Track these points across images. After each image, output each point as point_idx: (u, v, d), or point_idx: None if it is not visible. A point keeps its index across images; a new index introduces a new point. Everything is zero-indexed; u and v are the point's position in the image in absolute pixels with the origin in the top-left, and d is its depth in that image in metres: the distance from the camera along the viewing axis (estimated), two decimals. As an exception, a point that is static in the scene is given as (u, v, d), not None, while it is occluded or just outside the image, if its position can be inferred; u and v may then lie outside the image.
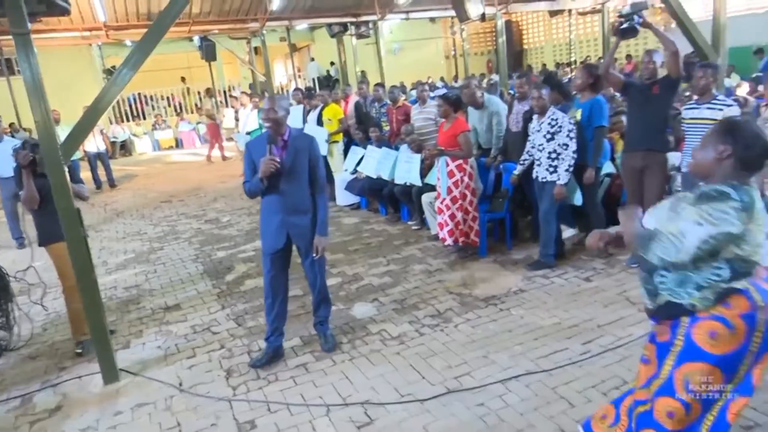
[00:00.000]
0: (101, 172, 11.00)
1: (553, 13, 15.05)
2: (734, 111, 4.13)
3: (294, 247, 3.59)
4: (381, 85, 8.55)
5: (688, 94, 8.26)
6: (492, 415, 2.87)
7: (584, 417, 2.77)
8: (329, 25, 12.70)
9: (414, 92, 9.14)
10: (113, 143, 15.43)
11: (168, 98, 18.70)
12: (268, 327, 3.58)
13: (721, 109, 4.09)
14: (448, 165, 4.97)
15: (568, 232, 5.34)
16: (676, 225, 1.85)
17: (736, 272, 1.85)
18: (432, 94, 7.14)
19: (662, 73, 4.43)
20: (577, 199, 4.91)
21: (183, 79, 19.13)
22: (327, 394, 3.21)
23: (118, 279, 5.57)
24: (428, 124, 6.66)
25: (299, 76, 20.63)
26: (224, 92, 18.30)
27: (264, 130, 3.34)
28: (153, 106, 18.16)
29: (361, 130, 7.58)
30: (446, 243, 5.15)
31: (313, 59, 20.73)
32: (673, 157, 4.97)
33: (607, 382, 3.05)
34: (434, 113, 6.64)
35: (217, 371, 3.60)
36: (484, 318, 3.96)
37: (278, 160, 3.28)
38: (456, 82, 18.07)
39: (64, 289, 4.01)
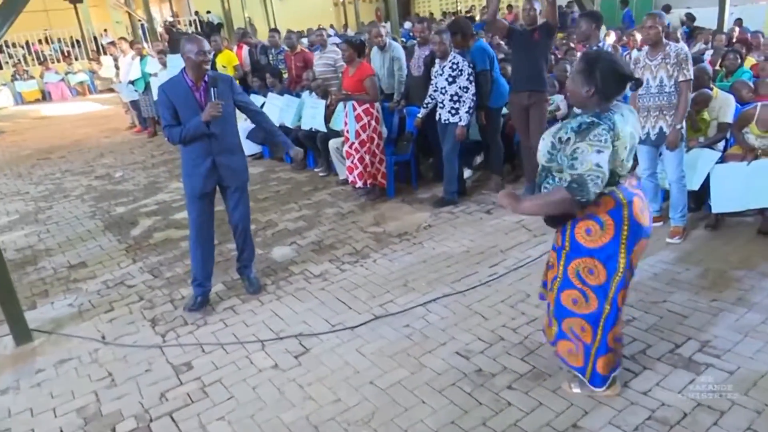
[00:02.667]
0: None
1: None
2: None
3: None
4: (276, 30, 8.31)
5: (565, 42, 8.96)
6: (417, 333, 3.16)
7: (497, 327, 3.17)
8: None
9: (305, 40, 9.00)
10: (-35, 97, 13.65)
11: (27, 45, 16.72)
12: (198, 271, 3.55)
13: None
14: (355, 109, 5.08)
15: (466, 173, 5.71)
16: (589, 161, 2.08)
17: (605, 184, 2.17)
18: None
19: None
20: (474, 134, 5.27)
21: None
22: (260, 331, 3.32)
23: (5, 241, 5.14)
24: (328, 69, 6.67)
25: (178, 21, 19.29)
26: (94, 39, 16.70)
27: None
28: (10, 54, 16.16)
29: (258, 77, 7.41)
30: (356, 185, 5.33)
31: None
32: (557, 99, 5.47)
33: (513, 297, 3.45)
34: (333, 59, 6.67)
35: (140, 322, 3.56)
36: (399, 252, 4.23)
37: (223, 103, 3.23)
38: (345, 30, 17.89)
39: None
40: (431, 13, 19.91)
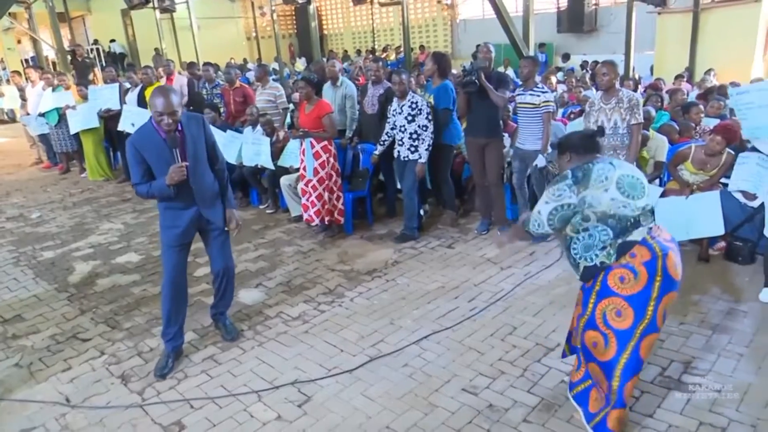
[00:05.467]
0: None
1: (357, 2, 15.69)
2: (549, 96, 4.92)
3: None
4: (210, 64, 8.09)
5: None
6: (419, 373, 3.13)
7: (494, 361, 3.21)
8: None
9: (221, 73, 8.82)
10: None
11: None
12: (171, 326, 3.26)
13: (539, 96, 4.83)
14: (313, 146, 5.03)
15: (421, 209, 5.80)
16: (537, 206, 2.44)
17: (616, 228, 2.31)
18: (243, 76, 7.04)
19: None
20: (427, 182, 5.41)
21: None
22: (251, 381, 3.13)
23: None
24: (269, 105, 6.62)
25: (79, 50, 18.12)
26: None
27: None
28: None
29: (196, 111, 7.13)
30: (314, 223, 5.24)
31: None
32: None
33: (500, 330, 3.53)
34: (274, 95, 6.66)
35: (108, 379, 3.22)
36: (374, 289, 4.19)
37: (187, 164, 3.03)
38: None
39: None
40: (345, 51, 20.34)
